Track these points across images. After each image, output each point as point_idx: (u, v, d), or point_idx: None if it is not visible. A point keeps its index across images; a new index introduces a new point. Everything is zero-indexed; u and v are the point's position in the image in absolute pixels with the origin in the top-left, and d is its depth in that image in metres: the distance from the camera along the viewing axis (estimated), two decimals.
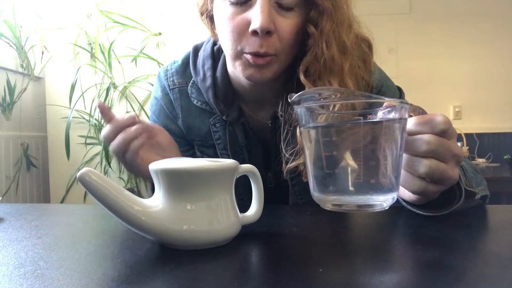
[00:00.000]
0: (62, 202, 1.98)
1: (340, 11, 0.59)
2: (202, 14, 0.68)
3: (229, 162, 0.40)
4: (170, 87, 0.75)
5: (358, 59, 0.64)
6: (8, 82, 1.84)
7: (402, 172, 0.44)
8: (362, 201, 0.40)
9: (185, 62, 0.76)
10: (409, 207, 0.52)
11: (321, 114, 0.41)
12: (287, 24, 0.58)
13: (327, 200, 0.41)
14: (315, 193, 0.43)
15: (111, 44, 1.92)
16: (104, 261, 0.35)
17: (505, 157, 2.71)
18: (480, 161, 2.76)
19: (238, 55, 0.60)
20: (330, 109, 0.43)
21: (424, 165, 0.42)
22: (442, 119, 0.42)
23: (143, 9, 1.94)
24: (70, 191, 1.99)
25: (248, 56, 0.59)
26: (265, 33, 0.56)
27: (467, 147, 2.77)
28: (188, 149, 0.78)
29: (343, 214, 0.54)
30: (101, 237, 0.46)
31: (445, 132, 0.42)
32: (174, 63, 0.78)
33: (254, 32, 0.56)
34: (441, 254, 0.35)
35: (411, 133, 0.43)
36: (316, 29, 0.58)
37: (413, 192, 0.46)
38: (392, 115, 0.39)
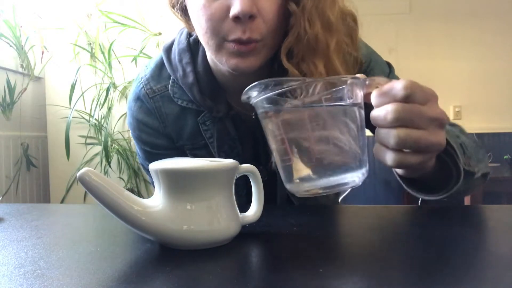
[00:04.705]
0: (62, 202, 1.98)
1: None
2: (173, 7, 0.64)
3: (229, 162, 0.40)
4: (150, 96, 0.69)
5: (344, 35, 0.60)
6: (8, 82, 1.84)
7: (378, 146, 0.43)
8: (332, 182, 0.40)
9: (159, 64, 0.70)
10: (409, 190, 0.52)
11: (272, 106, 0.41)
12: (270, 4, 0.53)
13: (300, 189, 0.42)
14: (287, 185, 0.43)
15: (111, 44, 1.92)
16: (104, 261, 0.35)
17: (505, 157, 2.71)
18: None
19: (220, 45, 0.55)
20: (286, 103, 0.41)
21: (392, 135, 0.40)
22: (402, 85, 0.39)
23: (143, 9, 1.94)
24: (70, 191, 1.99)
25: (231, 44, 0.54)
26: (248, 17, 0.51)
27: None
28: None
29: (343, 214, 0.54)
30: (101, 237, 0.46)
31: (410, 97, 0.39)
32: (147, 67, 0.72)
33: (236, 18, 0.51)
34: (440, 254, 0.35)
35: (377, 106, 0.41)
36: (298, 6, 0.54)
37: (391, 166, 0.43)
38: (341, 94, 0.39)
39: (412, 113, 0.39)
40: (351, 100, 0.40)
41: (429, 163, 0.45)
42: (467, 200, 2.04)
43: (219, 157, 0.70)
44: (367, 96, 0.42)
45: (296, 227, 0.47)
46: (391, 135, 0.40)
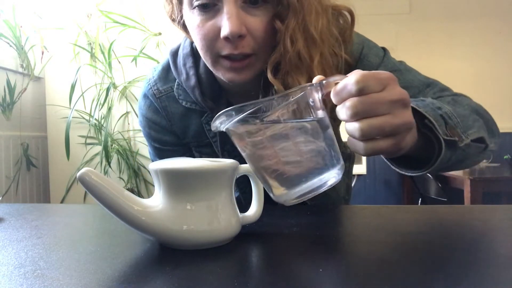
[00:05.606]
0: (62, 202, 1.98)
1: (307, 1, 0.57)
2: (174, 21, 0.67)
3: (229, 162, 0.40)
4: (157, 96, 0.74)
5: (337, 36, 0.62)
6: (8, 82, 1.84)
7: (349, 138, 0.44)
8: (314, 185, 0.40)
9: (166, 67, 0.75)
10: (398, 170, 0.53)
11: (236, 131, 0.42)
12: (258, 22, 0.57)
13: (286, 199, 0.42)
14: (273, 197, 0.43)
15: (111, 44, 1.92)
16: (104, 261, 0.35)
17: (505, 157, 2.71)
18: None
19: (216, 60, 0.60)
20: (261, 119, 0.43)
21: (356, 129, 0.41)
22: (354, 79, 0.40)
23: (143, 9, 1.94)
24: (70, 191, 1.99)
25: (226, 62, 0.58)
26: (237, 37, 0.55)
27: None
28: (187, 156, 0.78)
29: (343, 214, 0.54)
30: (101, 237, 0.46)
31: (364, 89, 0.40)
32: (155, 70, 0.76)
33: (226, 38, 0.56)
34: (441, 254, 0.35)
35: (338, 104, 0.42)
36: (282, 24, 0.57)
37: (366, 155, 0.44)
38: (299, 104, 0.39)
39: (371, 104, 0.40)
40: (312, 104, 0.40)
41: (406, 141, 0.44)
42: (467, 200, 2.05)
43: (223, 155, 0.72)
44: (328, 95, 0.42)
45: (296, 227, 0.47)
46: (355, 129, 0.41)
